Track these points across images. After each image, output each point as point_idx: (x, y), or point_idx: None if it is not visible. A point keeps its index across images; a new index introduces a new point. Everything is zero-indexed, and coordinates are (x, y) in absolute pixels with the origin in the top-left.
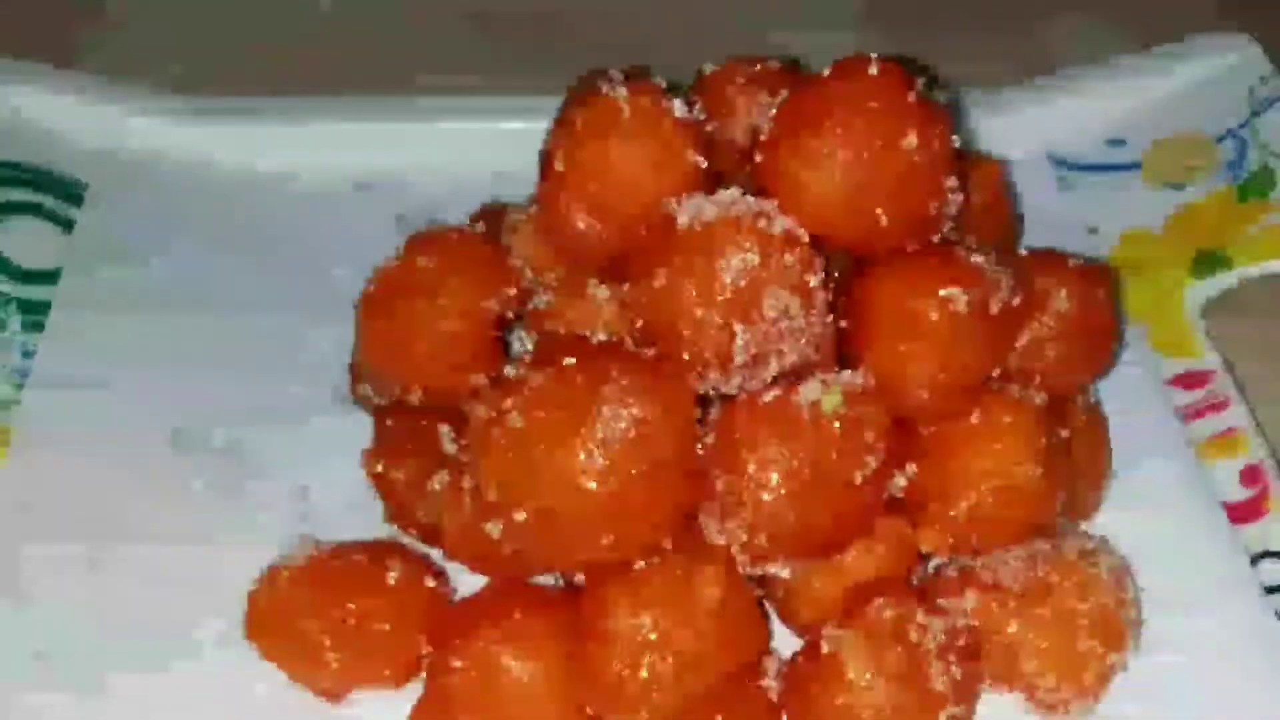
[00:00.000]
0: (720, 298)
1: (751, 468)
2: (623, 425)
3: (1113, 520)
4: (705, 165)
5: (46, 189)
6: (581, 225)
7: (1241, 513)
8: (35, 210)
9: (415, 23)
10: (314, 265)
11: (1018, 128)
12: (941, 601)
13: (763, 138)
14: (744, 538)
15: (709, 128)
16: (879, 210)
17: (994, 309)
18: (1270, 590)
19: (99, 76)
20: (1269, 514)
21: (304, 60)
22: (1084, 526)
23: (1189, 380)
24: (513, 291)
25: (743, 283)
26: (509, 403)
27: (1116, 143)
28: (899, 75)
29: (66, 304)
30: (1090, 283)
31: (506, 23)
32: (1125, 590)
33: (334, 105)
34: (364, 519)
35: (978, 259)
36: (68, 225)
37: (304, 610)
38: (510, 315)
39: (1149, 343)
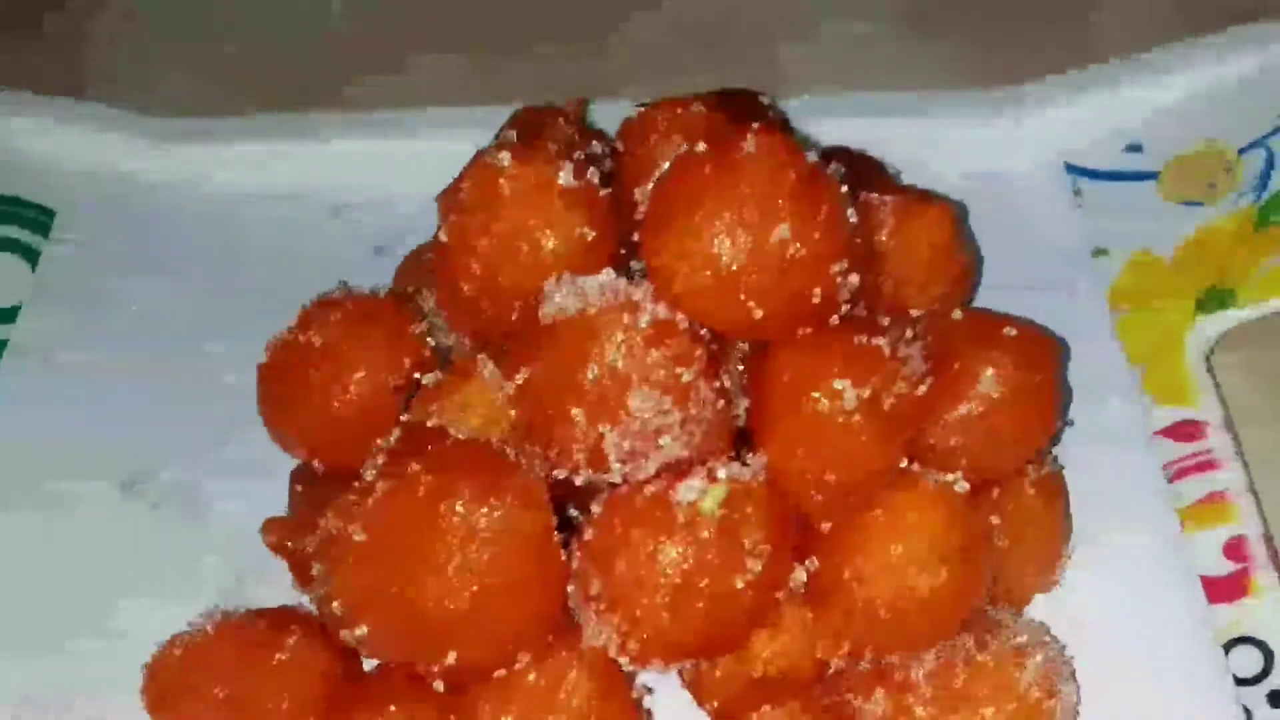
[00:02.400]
0: (583, 397)
1: (623, 570)
2: (468, 543)
3: (1079, 590)
4: (592, 237)
5: (12, 219)
6: (475, 303)
7: (1221, 591)
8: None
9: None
10: (287, 301)
11: (1032, 130)
12: (850, 700)
13: (638, 215)
14: (618, 640)
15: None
16: (750, 304)
17: (886, 403)
18: (1241, 682)
19: (66, 98)
20: (1250, 595)
21: (284, 76)
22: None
23: (1181, 432)
24: (409, 364)
25: (607, 382)
26: (353, 514)
27: (1134, 149)
28: (778, 153)
29: (22, 346)
30: (1026, 361)
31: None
32: (1053, 694)
33: (307, 124)
34: None
35: (880, 342)
36: (33, 258)
37: (194, 686)
38: (418, 380)
39: (1145, 387)
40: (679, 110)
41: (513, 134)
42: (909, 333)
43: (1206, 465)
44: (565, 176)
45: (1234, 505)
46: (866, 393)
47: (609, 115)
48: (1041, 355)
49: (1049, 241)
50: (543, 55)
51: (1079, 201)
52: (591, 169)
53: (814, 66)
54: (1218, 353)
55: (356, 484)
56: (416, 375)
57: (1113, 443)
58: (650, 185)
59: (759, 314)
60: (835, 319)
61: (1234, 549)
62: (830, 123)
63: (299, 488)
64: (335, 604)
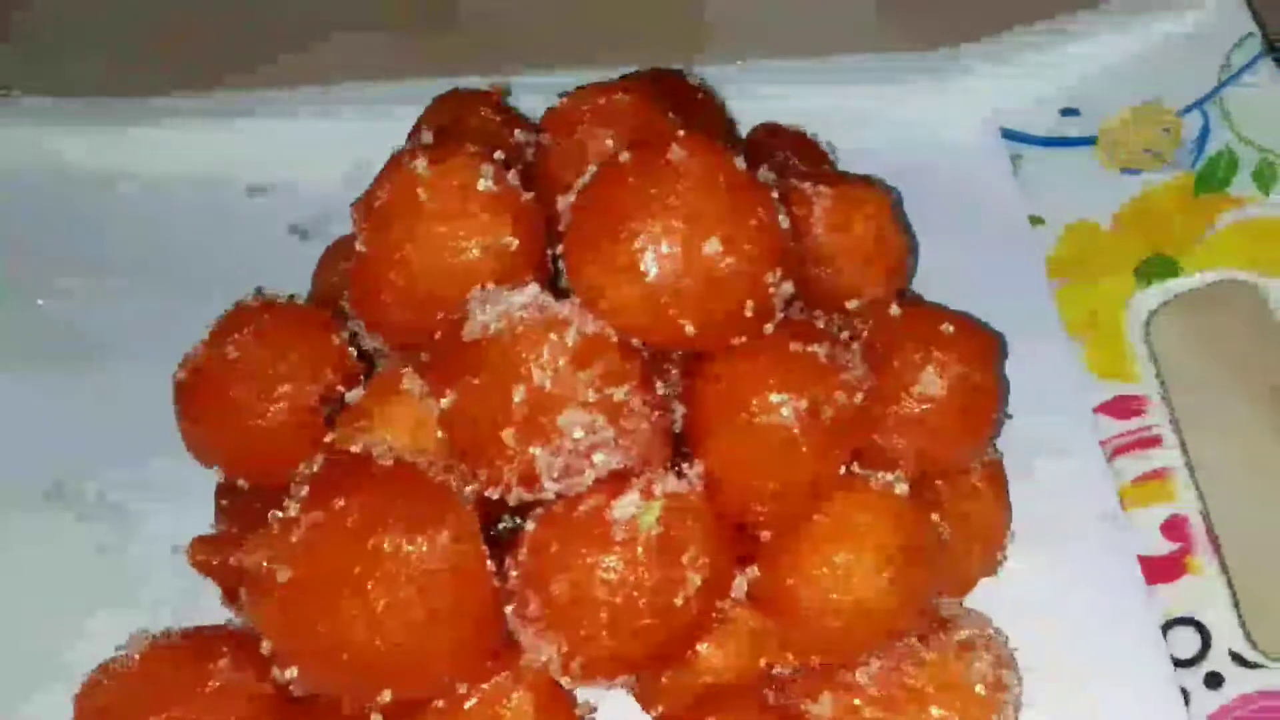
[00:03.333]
0: (512, 420)
1: (562, 590)
2: (400, 580)
3: (1018, 572)
4: (516, 246)
5: None
6: (393, 316)
7: (1159, 570)
8: None
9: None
10: (203, 290)
11: (967, 94)
12: (799, 702)
13: (561, 227)
14: (558, 661)
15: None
16: (683, 321)
17: (826, 415)
18: (1180, 664)
19: None
20: (1188, 574)
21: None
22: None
23: (1121, 407)
24: (332, 377)
25: (535, 403)
26: (277, 551)
27: (1071, 112)
28: (707, 160)
29: None
30: (964, 357)
31: None
32: (1000, 689)
33: (222, 103)
34: None
35: (817, 349)
36: None
37: (127, 715)
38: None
39: (1084, 361)
40: (604, 100)
41: (429, 134)
42: (846, 334)
43: (1146, 442)
44: (486, 182)
45: (1172, 483)
46: (804, 405)
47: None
48: (981, 351)
49: (986, 210)
50: (465, 25)
51: (1016, 168)
52: (512, 172)
53: (741, 30)
54: (1155, 321)
55: (278, 515)
56: (340, 387)
57: (1052, 419)
58: (572, 196)
59: (690, 329)
60: (770, 326)
61: (1172, 528)
62: (758, 90)
63: (224, 502)
64: (265, 645)
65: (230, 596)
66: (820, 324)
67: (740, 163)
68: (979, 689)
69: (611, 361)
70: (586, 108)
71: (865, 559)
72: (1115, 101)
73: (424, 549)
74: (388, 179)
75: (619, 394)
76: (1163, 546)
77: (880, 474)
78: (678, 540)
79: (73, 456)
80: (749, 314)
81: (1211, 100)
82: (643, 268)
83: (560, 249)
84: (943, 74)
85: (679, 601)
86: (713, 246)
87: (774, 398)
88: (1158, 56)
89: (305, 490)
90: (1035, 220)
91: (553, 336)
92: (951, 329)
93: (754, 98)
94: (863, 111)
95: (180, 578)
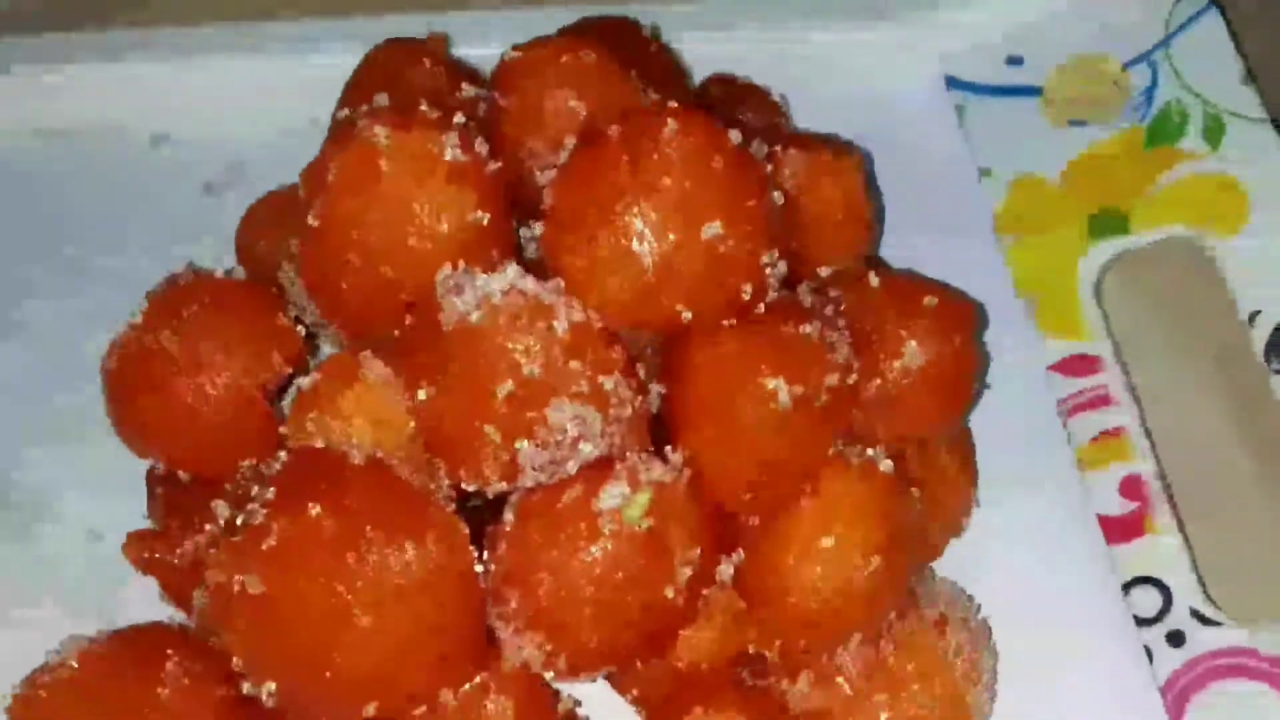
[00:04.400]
0: (496, 413)
1: (545, 586)
2: (383, 594)
3: (978, 534)
4: (487, 220)
5: None
6: (348, 299)
7: (1118, 530)
8: None
9: None
10: (105, 250)
11: (910, 39)
12: (778, 684)
13: (544, 205)
14: (541, 659)
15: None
16: (679, 306)
17: (823, 399)
18: (1141, 622)
19: None
20: (1147, 534)
21: None
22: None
23: (1074, 366)
24: (280, 360)
25: (522, 396)
26: (246, 562)
27: (1015, 61)
28: (703, 138)
29: None
30: (946, 329)
31: None
32: (977, 663)
33: (114, 41)
34: None
35: (808, 330)
36: None
37: None
38: (288, 374)
39: (1035, 321)
40: (567, 58)
41: (383, 97)
42: (830, 309)
43: (1100, 401)
44: (452, 151)
45: (1129, 442)
46: (800, 390)
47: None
48: (962, 322)
49: (933, 162)
50: None
51: (962, 118)
52: (480, 140)
53: None
54: (1106, 279)
55: (239, 521)
56: (288, 370)
57: (1006, 380)
58: (551, 173)
59: (686, 316)
60: (761, 307)
61: (1130, 487)
62: (699, 36)
63: (159, 490)
64: (235, 661)
65: (172, 593)
66: (807, 301)
67: (735, 137)
68: (956, 664)
69: (599, 349)
70: (547, 65)
71: (853, 541)
72: (1059, 51)
73: (409, 558)
74: (342, 147)
75: (609, 383)
76: (1122, 506)
77: (859, 450)
78: (666, 531)
79: None
80: (747, 297)
81: (1159, 52)
82: (637, 253)
83: (533, 226)
84: (886, 18)
85: (669, 594)
86: (712, 230)
87: (770, 383)
88: (1102, 5)
89: (271, 492)
90: (984, 173)
91: (540, 325)
92: (934, 301)
93: (691, 43)
94: (804, 57)
95: (99, 568)
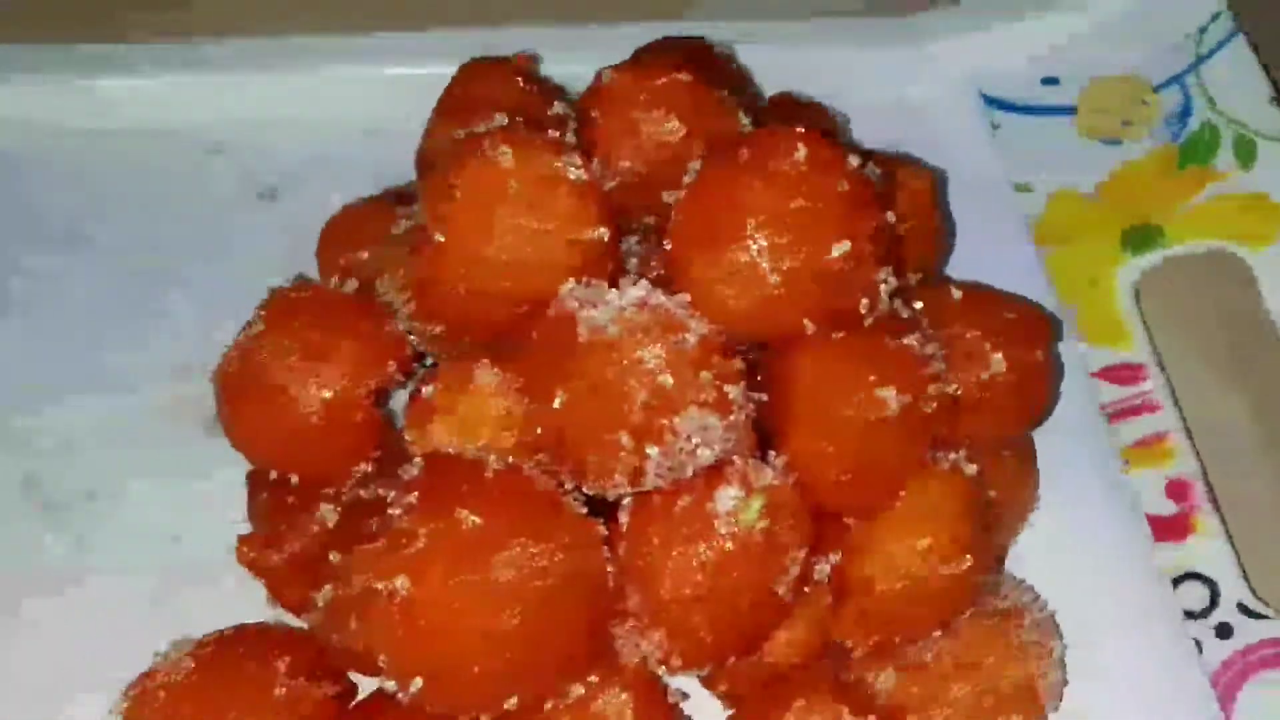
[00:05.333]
0: (629, 422)
1: (664, 587)
2: (526, 591)
3: (1030, 534)
4: (607, 237)
5: None
6: (463, 310)
7: (1165, 529)
8: None
9: None
10: (165, 257)
11: (947, 58)
12: (861, 674)
13: (671, 221)
14: (659, 655)
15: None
16: (804, 320)
17: (928, 408)
18: (1190, 616)
19: None
20: (1193, 533)
21: None
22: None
23: (1118, 374)
24: (393, 367)
25: (654, 405)
26: (394, 564)
27: (1050, 81)
28: (829, 162)
29: None
30: (1028, 341)
31: None
32: (1048, 653)
33: (176, 54)
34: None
35: (911, 342)
36: None
37: None
38: (394, 385)
39: (1077, 329)
40: (661, 80)
41: (502, 117)
42: (925, 321)
43: (1145, 408)
44: (575, 171)
45: (1172, 446)
46: (908, 399)
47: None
48: (1042, 334)
49: (970, 175)
50: None
51: (996, 135)
52: (596, 162)
53: None
54: (1144, 288)
55: (379, 524)
56: (397, 376)
57: None
58: (681, 193)
59: (811, 329)
60: (870, 320)
61: (1175, 489)
62: (739, 51)
63: (263, 495)
64: (381, 659)
65: (280, 597)
66: (904, 314)
67: (854, 161)
68: (1028, 654)
69: (725, 360)
70: (645, 87)
71: (944, 541)
72: (1093, 72)
73: (551, 560)
74: (468, 165)
75: (734, 392)
76: (1167, 507)
77: (946, 455)
78: (778, 532)
79: (44, 443)
80: (865, 311)
81: (1190, 75)
82: (765, 270)
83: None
84: (923, 39)
85: (780, 591)
86: (840, 249)
87: (880, 393)
88: (1134, 30)
89: (412, 498)
90: (1021, 188)
91: (672, 338)
92: (1013, 315)
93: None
94: (842, 75)
95: (178, 570)
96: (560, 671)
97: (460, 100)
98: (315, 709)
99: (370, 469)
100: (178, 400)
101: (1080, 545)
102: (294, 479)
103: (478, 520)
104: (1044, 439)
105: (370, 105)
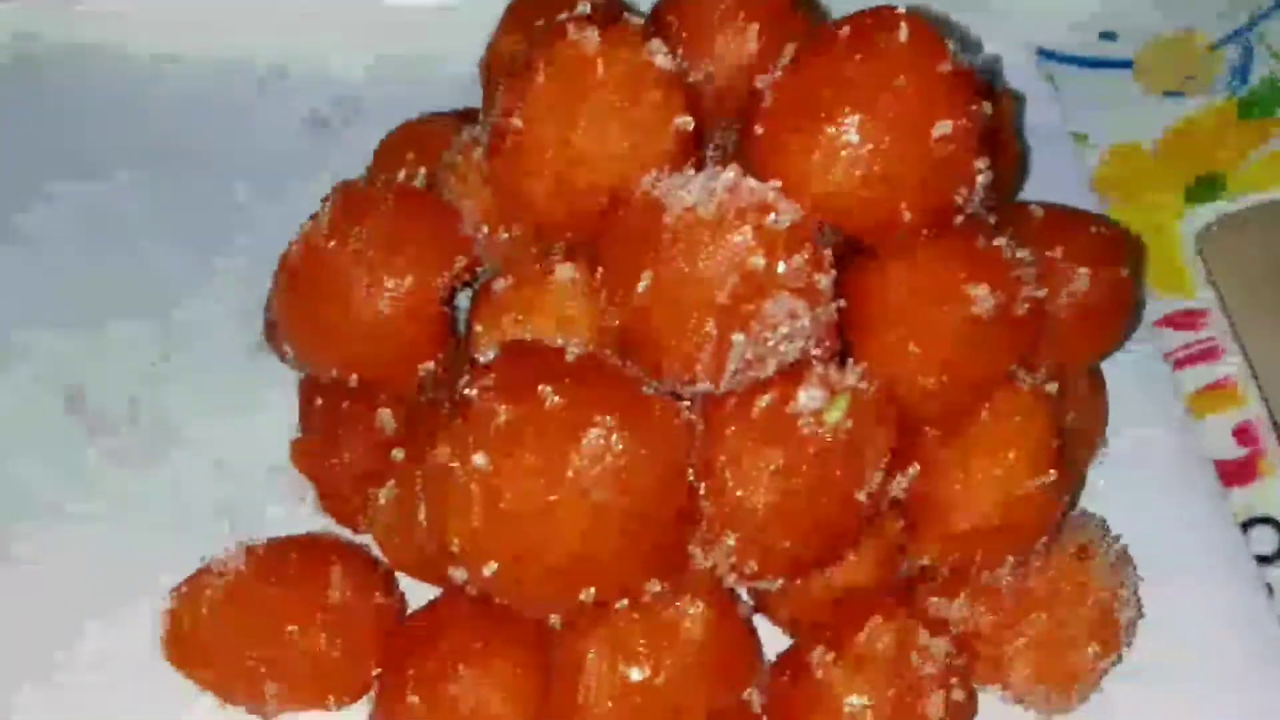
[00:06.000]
0: (717, 306)
1: (742, 490)
2: (609, 469)
3: (1098, 482)
4: (691, 126)
5: None
6: (541, 201)
7: (1233, 473)
8: None
9: None
10: (214, 180)
11: (1004, 13)
12: (932, 601)
13: (764, 104)
14: (733, 562)
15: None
16: (902, 205)
17: (1020, 310)
18: (1262, 560)
19: None
20: (1262, 477)
21: None
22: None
23: (1180, 321)
24: (464, 262)
25: (743, 288)
26: (473, 441)
27: (1108, 36)
28: (931, 42)
29: None
30: (1113, 259)
31: None
32: (1123, 586)
33: None
34: (291, 490)
35: (1001, 244)
36: None
37: (236, 636)
38: (459, 286)
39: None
40: None
41: (585, 5)
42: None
43: (1209, 354)
44: (662, 59)
45: (1238, 391)
46: (1002, 298)
47: None
48: (1125, 253)
49: (1028, 124)
50: None
51: (1055, 86)
52: (680, 52)
53: None
54: (1207, 239)
55: (452, 408)
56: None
57: None
58: (776, 73)
59: (908, 216)
60: (960, 218)
61: (1243, 434)
62: None
63: (318, 401)
64: (454, 543)
65: (332, 506)
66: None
67: (953, 45)
68: (1103, 586)
69: (816, 250)
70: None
71: (1028, 457)
72: (1152, 27)
73: (636, 449)
74: (549, 53)
75: (824, 281)
76: (1235, 451)
77: (1028, 373)
78: (862, 435)
79: (89, 362)
80: (960, 202)
81: (1251, 29)
82: (864, 150)
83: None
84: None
85: (861, 498)
86: (942, 129)
87: (973, 290)
88: None
89: (490, 379)
90: (1079, 138)
91: (766, 219)
92: (1097, 233)
93: None
94: None
95: (217, 494)
96: (642, 564)
97: (529, 7)
98: (369, 616)
99: (435, 371)
100: (226, 322)
101: (1149, 490)
102: (353, 381)
103: (560, 400)
104: (1111, 386)
105: (428, 35)
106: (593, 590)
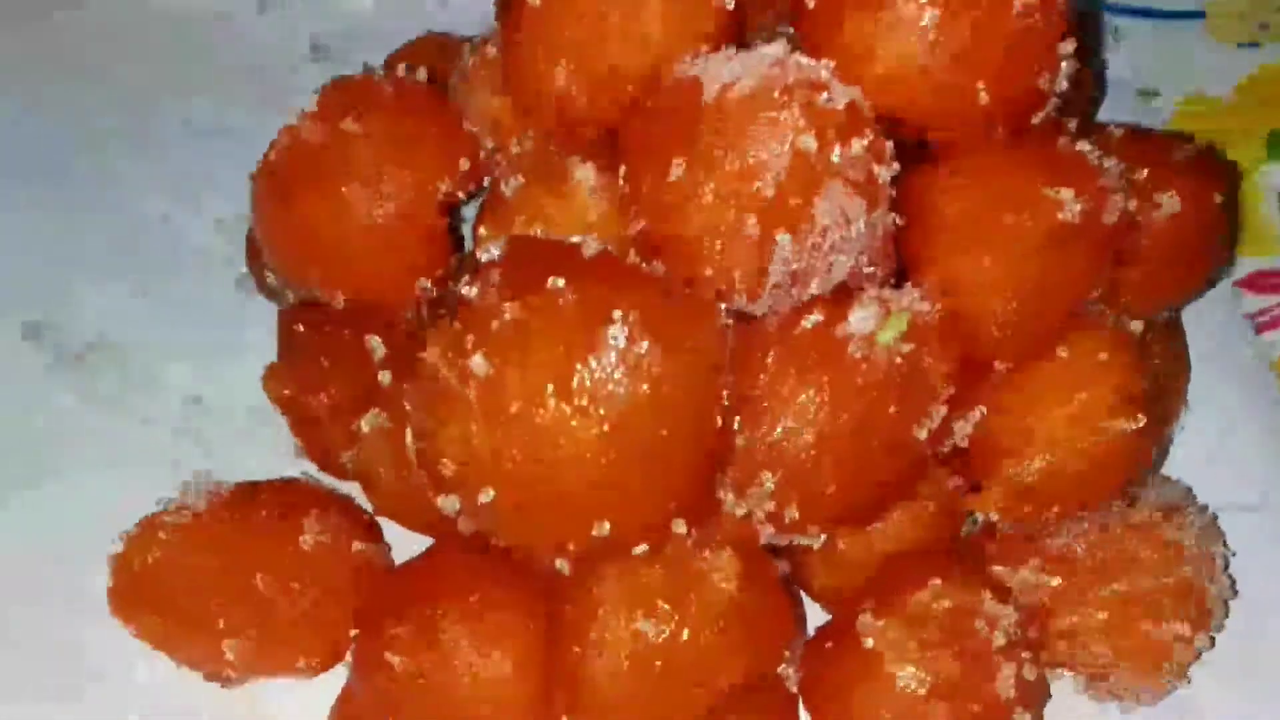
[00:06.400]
0: (760, 198)
1: (783, 420)
2: (632, 378)
3: (1180, 448)
4: (733, 6)
5: None
6: (562, 87)
7: None
8: None
9: None
10: (209, 110)
11: None
12: (996, 570)
13: None
14: (770, 507)
15: None
16: (979, 86)
17: (1109, 219)
18: None
19: None
20: None
21: None
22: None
23: (1263, 282)
24: (467, 166)
25: (791, 178)
26: (472, 342)
27: None
28: None
29: None
30: (1206, 181)
31: None
32: (1215, 557)
33: None
34: (271, 434)
35: (1087, 149)
36: None
37: (191, 580)
38: (461, 196)
39: None
40: None
41: None
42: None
43: None
44: None
45: None
46: (1089, 206)
47: None
48: (1221, 177)
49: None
50: None
51: (1118, 39)
52: None
53: None
54: None
55: (450, 311)
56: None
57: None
58: None
59: (984, 98)
60: (1040, 117)
61: None
62: None
63: (300, 328)
64: (445, 464)
65: (308, 444)
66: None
67: None
68: (1193, 555)
69: (876, 136)
70: None
71: (1110, 399)
72: None
73: (663, 350)
74: None
75: (884, 175)
76: None
77: (1108, 312)
78: (922, 361)
79: (57, 293)
80: (1042, 88)
81: None
82: (938, 23)
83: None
84: None
85: (919, 436)
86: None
87: (1054, 193)
88: None
89: (495, 275)
90: (1147, 93)
91: (819, 97)
92: (1187, 154)
93: None
94: None
95: (189, 436)
96: (667, 496)
97: None
98: (347, 568)
99: (432, 291)
100: (212, 255)
101: (1233, 460)
102: (339, 302)
103: (575, 296)
104: (1191, 351)
105: None
106: (607, 525)
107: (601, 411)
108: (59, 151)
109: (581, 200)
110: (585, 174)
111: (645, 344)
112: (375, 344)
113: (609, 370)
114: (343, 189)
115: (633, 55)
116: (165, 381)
